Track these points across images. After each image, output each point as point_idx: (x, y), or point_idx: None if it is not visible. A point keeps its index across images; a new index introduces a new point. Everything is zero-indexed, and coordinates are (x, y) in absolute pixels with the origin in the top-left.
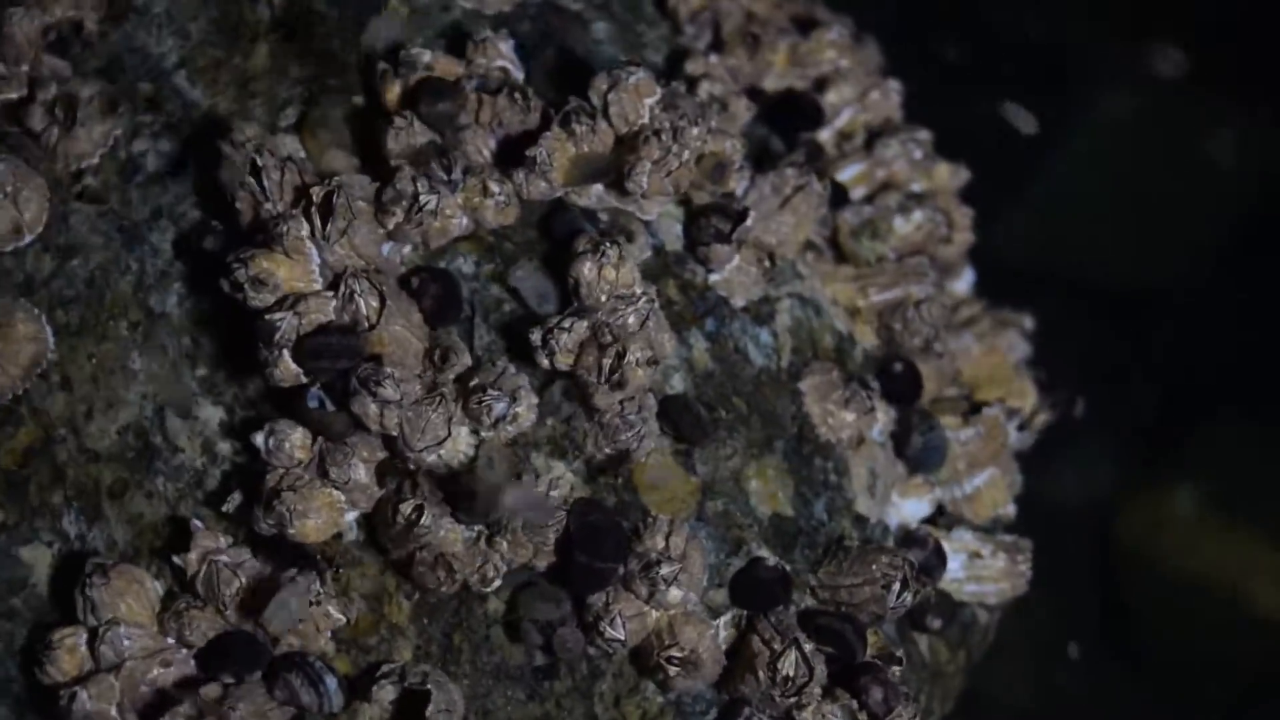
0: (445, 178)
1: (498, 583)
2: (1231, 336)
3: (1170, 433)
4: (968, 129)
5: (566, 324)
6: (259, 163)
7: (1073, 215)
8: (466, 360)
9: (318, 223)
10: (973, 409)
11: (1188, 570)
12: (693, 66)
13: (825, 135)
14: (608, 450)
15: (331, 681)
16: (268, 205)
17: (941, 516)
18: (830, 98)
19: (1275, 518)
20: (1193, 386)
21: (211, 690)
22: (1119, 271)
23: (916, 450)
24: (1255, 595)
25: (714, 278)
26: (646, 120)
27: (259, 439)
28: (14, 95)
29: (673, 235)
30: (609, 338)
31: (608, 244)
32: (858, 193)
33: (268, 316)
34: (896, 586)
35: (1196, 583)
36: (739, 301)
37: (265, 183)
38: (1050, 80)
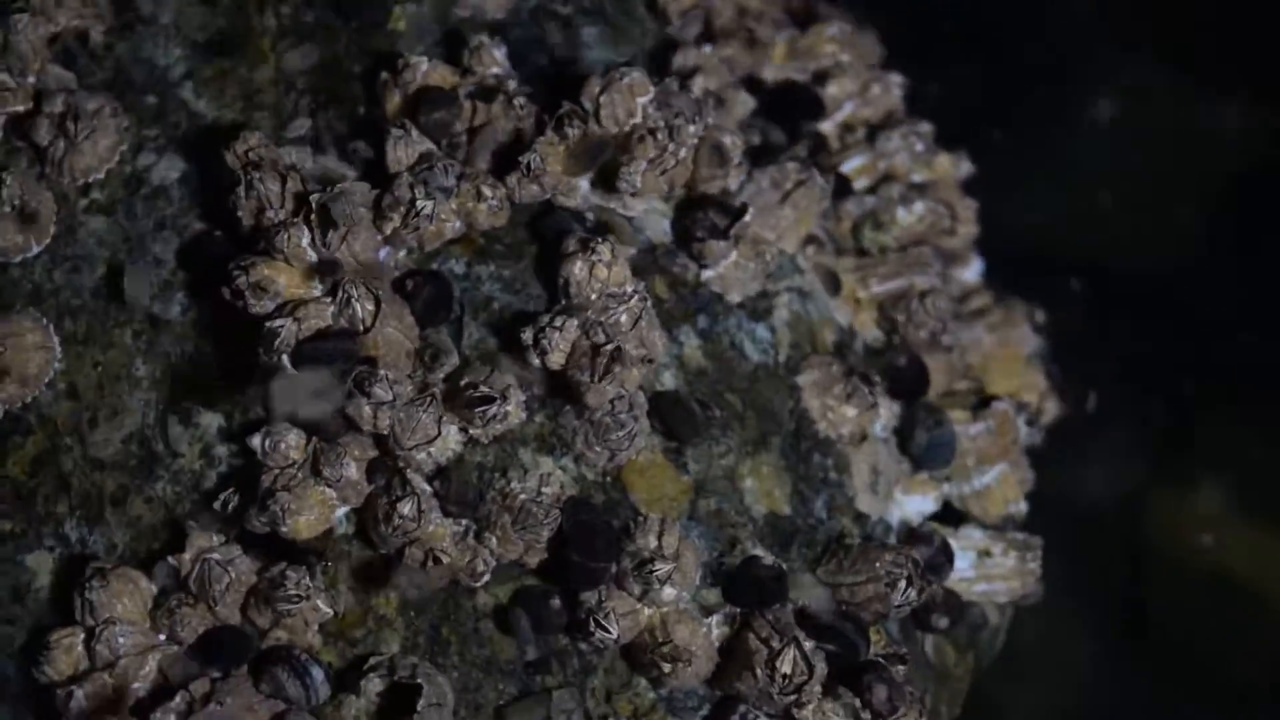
0: (442, 184)
1: (486, 577)
2: (1254, 327)
3: (1193, 427)
4: (972, 116)
5: (558, 323)
6: (257, 175)
7: (1088, 202)
8: (455, 360)
9: (318, 230)
10: (982, 403)
11: (1213, 570)
12: (684, 58)
13: (828, 127)
14: (598, 448)
15: (318, 673)
16: (269, 213)
17: (950, 514)
18: (831, 91)
19: None
20: (1215, 378)
21: (200, 685)
22: (1137, 260)
23: (922, 446)
24: None
25: (707, 274)
26: (640, 119)
27: (256, 441)
28: (20, 108)
29: (660, 231)
30: (601, 336)
31: (598, 242)
32: (860, 184)
33: (268, 323)
34: (901, 584)
35: (1222, 583)
36: (735, 297)
37: (266, 191)
38: (1059, 66)
